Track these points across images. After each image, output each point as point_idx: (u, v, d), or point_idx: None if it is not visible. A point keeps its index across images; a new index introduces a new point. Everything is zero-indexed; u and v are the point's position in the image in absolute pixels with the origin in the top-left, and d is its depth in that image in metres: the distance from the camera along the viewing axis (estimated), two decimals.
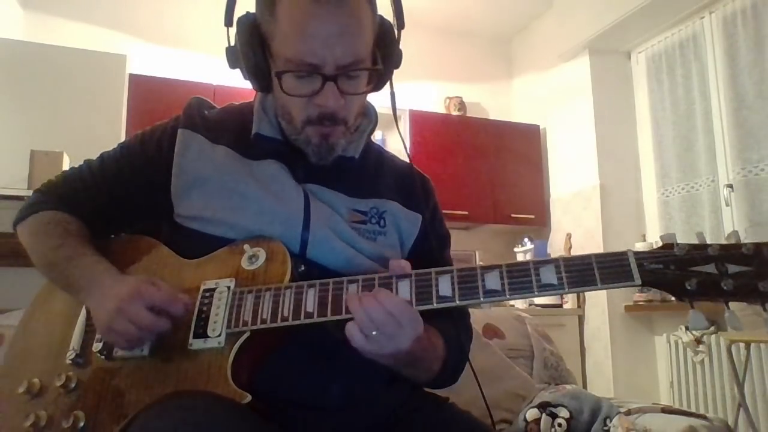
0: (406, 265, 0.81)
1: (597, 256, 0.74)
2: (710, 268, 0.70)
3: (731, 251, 0.70)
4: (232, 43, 0.91)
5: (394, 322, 0.74)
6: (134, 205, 0.98)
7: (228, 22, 0.91)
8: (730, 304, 0.72)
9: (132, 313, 0.79)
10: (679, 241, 0.73)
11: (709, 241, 0.73)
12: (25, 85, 3.00)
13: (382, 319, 0.74)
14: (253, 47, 0.87)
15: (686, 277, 0.71)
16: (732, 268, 0.69)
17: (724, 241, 0.72)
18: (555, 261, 0.75)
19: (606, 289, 0.73)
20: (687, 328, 3.16)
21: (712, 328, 3.06)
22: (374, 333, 0.74)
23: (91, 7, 3.67)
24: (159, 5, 3.83)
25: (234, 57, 0.91)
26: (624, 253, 0.73)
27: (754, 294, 0.68)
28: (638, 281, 0.71)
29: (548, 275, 0.74)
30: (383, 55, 0.91)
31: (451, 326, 0.95)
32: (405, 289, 0.78)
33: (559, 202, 4.09)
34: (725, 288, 0.69)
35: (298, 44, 0.82)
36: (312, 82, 0.84)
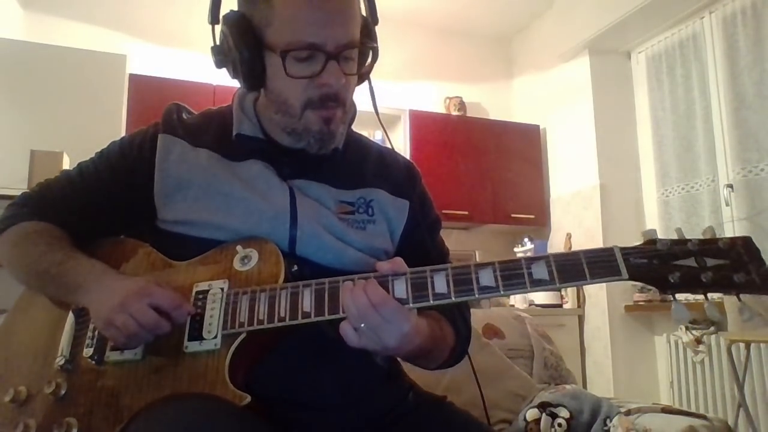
0: (397, 262, 0.81)
1: (585, 252, 0.76)
2: (691, 262, 0.74)
3: (709, 246, 0.74)
4: (218, 42, 0.91)
5: (377, 315, 0.74)
6: (115, 213, 0.96)
7: (214, 20, 0.91)
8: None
9: (136, 309, 0.78)
10: (660, 237, 0.77)
11: None
12: (25, 85, 2.99)
13: (366, 312, 0.74)
14: (246, 41, 0.86)
15: (669, 271, 0.74)
16: (710, 262, 0.73)
17: (701, 237, 0.76)
18: (545, 257, 0.77)
19: (595, 283, 0.76)
20: (687, 328, 3.16)
21: (712, 328, 3.06)
22: (362, 326, 0.75)
23: (91, 7, 3.67)
24: (159, 5, 3.83)
25: (222, 55, 0.90)
26: (611, 249, 0.76)
27: (731, 285, 0.72)
28: (625, 275, 0.74)
29: (540, 271, 0.76)
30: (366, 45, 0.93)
31: (456, 311, 0.96)
32: (401, 287, 0.78)
33: (559, 202, 4.09)
34: (705, 280, 0.72)
35: (299, 25, 0.83)
36: (313, 64, 0.85)
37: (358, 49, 0.90)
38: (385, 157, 1.06)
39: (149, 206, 0.93)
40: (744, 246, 0.73)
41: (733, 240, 0.74)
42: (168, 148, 0.94)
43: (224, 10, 0.92)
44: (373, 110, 0.97)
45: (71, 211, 0.95)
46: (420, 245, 0.98)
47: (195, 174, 0.92)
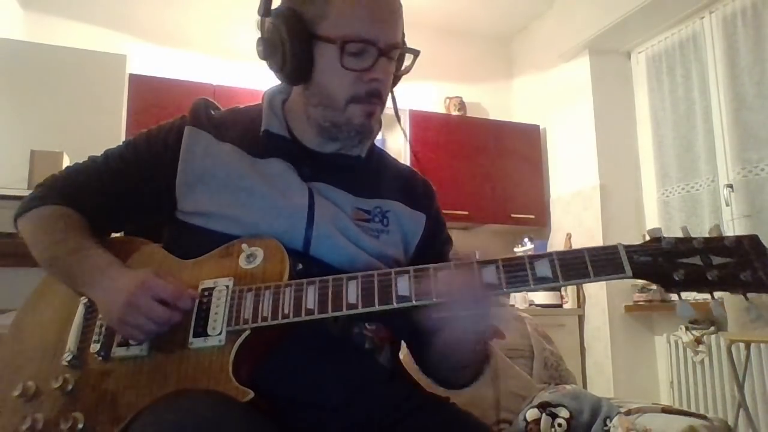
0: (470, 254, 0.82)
1: (589, 249, 0.76)
2: (696, 260, 0.73)
3: (715, 244, 0.74)
4: (266, 34, 0.93)
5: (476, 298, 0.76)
6: (137, 202, 0.98)
7: (265, 12, 0.93)
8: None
9: (144, 307, 0.80)
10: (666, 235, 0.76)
11: None
12: (25, 85, 3.00)
13: (472, 295, 0.75)
14: (298, 33, 0.89)
15: (674, 269, 0.73)
16: (716, 260, 0.73)
17: (707, 235, 0.75)
18: (549, 255, 0.76)
19: (599, 281, 0.75)
20: (687, 328, 3.16)
21: (712, 328, 3.07)
22: (463, 313, 0.76)
23: (91, 7, 3.67)
24: (159, 5, 3.83)
25: (269, 46, 0.92)
26: (615, 247, 0.75)
27: (738, 284, 0.72)
28: (629, 273, 0.73)
29: (543, 269, 0.76)
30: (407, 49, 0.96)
31: None
32: (404, 285, 0.78)
33: (559, 202, 4.09)
34: (710, 278, 0.72)
35: (356, 20, 0.87)
36: (363, 60, 0.88)
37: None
38: (403, 172, 1.09)
39: (170, 196, 0.95)
40: (751, 244, 0.73)
41: (739, 238, 0.73)
42: (193, 140, 0.96)
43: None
44: (393, 110, 1.01)
45: (93, 199, 0.97)
46: (434, 260, 1.00)
47: (218, 167, 0.94)
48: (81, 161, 1.03)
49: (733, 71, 3.20)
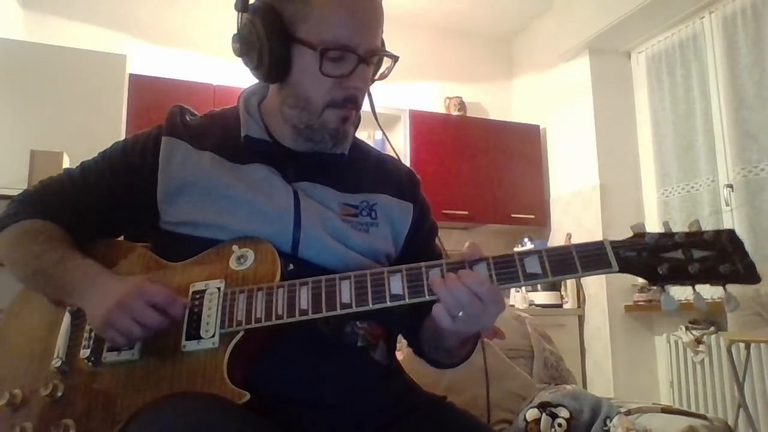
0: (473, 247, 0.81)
1: (577, 245, 0.78)
2: (678, 254, 0.76)
3: (695, 238, 0.77)
4: (242, 30, 0.91)
5: (478, 302, 0.75)
6: (117, 214, 0.96)
7: (242, 7, 0.91)
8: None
9: (135, 310, 0.78)
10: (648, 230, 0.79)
11: None
12: (25, 85, 2.99)
13: (467, 300, 0.75)
14: (277, 32, 0.87)
15: (658, 263, 0.76)
16: (697, 254, 0.76)
17: (687, 230, 0.78)
18: (538, 251, 0.79)
19: (586, 276, 0.78)
20: (687, 328, 3.16)
21: (712, 328, 3.07)
22: (460, 314, 0.76)
23: (91, 7, 3.67)
24: (159, 5, 3.83)
25: (248, 43, 0.90)
26: (601, 242, 0.78)
27: (717, 276, 0.75)
28: (615, 268, 0.76)
29: (532, 265, 0.78)
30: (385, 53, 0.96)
31: None
32: (397, 283, 0.79)
33: (559, 202, 4.09)
34: (692, 272, 0.75)
35: (336, 26, 0.86)
36: (343, 66, 0.87)
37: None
38: (386, 162, 1.08)
39: (152, 208, 0.93)
40: (728, 238, 0.76)
41: (717, 233, 0.77)
42: (172, 151, 0.94)
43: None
44: (371, 111, 0.99)
45: (72, 211, 0.95)
46: (423, 248, 1.00)
47: (199, 177, 0.92)
48: (55, 174, 1.00)
49: (733, 71, 3.20)
